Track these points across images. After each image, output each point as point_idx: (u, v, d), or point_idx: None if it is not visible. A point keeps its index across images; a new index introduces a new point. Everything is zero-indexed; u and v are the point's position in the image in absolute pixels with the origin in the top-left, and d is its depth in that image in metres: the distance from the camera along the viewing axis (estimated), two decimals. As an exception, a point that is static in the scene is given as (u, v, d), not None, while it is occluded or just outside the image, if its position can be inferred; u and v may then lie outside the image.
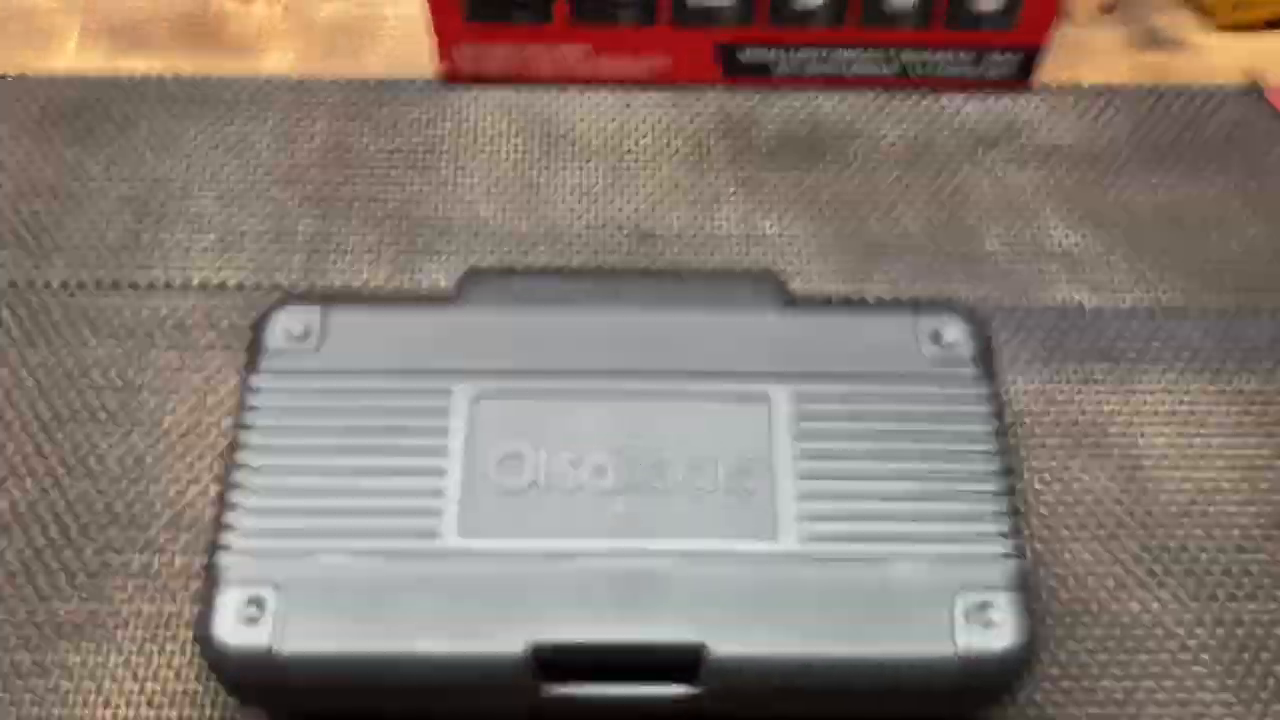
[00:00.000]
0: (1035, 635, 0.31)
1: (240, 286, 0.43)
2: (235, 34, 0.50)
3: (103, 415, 0.40)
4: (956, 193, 0.46)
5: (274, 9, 0.50)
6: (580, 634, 0.31)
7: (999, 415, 0.34)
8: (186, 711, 0.34)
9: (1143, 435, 0.40)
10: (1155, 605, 0.37)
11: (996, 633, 0.31)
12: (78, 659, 0.35)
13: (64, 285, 0.42)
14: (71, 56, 0.48)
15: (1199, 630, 0.36)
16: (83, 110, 0.47)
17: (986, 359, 0.35)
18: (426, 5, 0.45)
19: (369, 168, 0.46)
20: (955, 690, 0.31)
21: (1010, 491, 0.33)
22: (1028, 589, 0.32)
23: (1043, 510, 0.39)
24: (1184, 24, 0.50)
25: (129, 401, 0.40)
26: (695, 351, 0.35)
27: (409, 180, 0.46)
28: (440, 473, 0.33)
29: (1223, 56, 0.49)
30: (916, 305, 0.36)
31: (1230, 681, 0.36)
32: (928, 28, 0.45)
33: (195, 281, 0.43)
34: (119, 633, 0.36)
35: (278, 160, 0.46)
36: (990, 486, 0.33)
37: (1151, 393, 0.41)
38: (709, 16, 0.45)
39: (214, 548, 0.32)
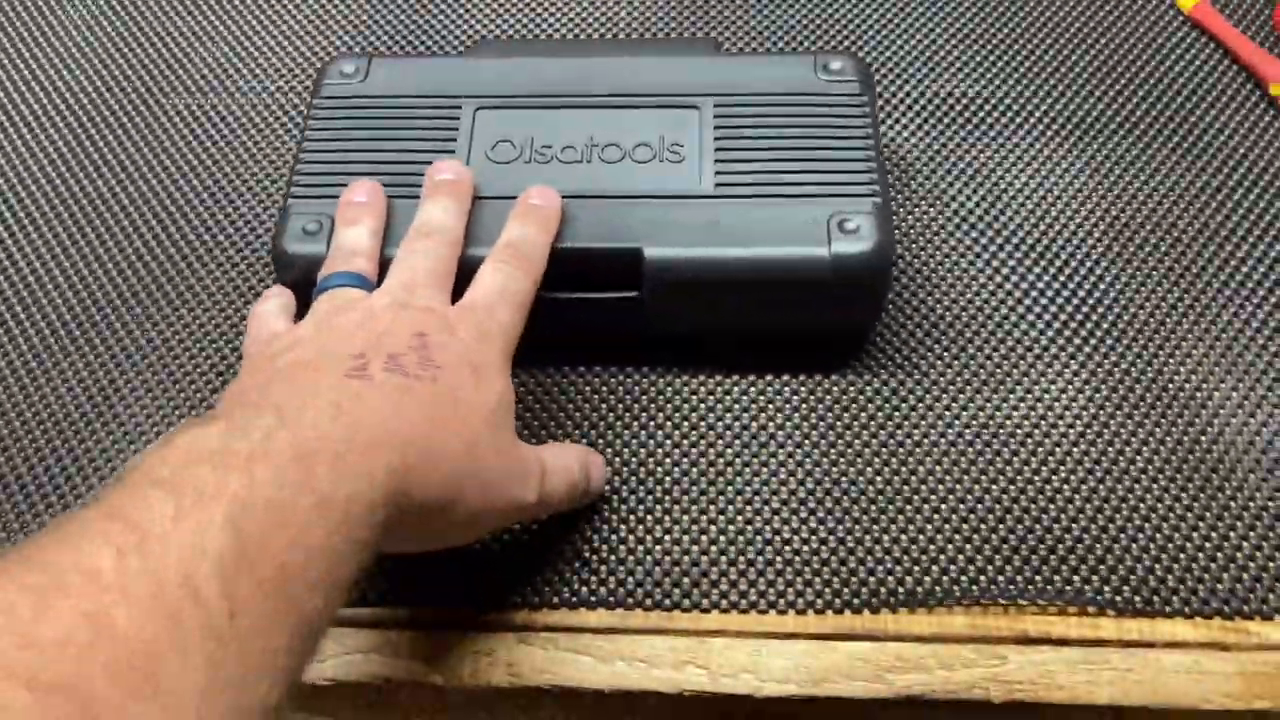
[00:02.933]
0: (889, 242, 0.42)
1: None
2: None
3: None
4: None
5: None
6: (563, 243, 0.42)
7: (874, 120, 0.45)
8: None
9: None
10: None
11: (858, 239, 0.41)
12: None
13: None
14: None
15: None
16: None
17: (867, 85, 0.46)
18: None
19: (409, 11, 0.59)
20: (830, 283, 0.41)
21: (878, 157, 0.44)
22: (885, 214, 0.42)
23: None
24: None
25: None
26: (647, 81, 0.47)
27: (444, 19, 0.59)
28: (450, 155, 0.45)
29: (1094, -71, 0.61)
30: (815, 50, 0.48)
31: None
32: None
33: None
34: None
35: None
36: (862, 155, 0.44)
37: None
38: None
39: (286, 194, 0.44)
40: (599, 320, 0.44)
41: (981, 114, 0.54)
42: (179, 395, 0.46)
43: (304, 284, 0.41)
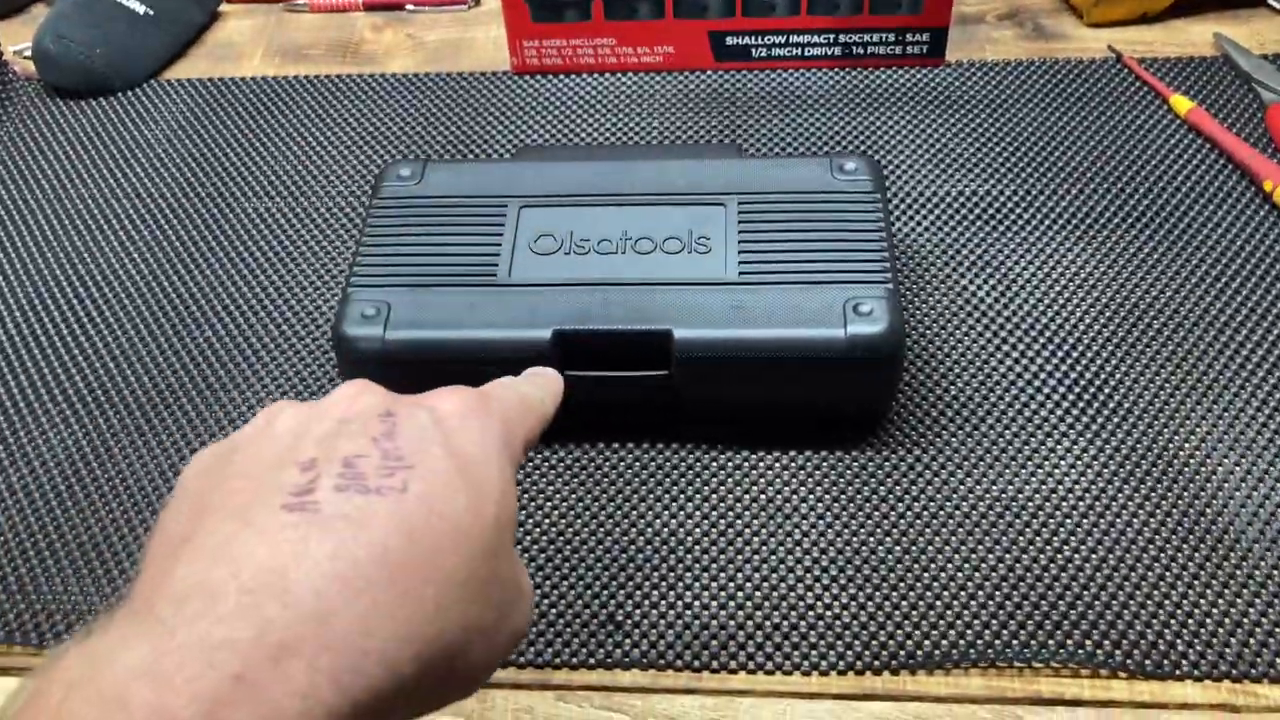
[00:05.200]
0: (900, 323, 0.45)
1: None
2: (369, 53, 0.70)
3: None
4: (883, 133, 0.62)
5: (399, 35, 0.71)
6: (590, 325, 0.45)
7: (885, 214, 0.49)
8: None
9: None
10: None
11: (872, 320, 0.45)
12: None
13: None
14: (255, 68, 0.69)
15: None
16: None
17: (879, 183, 0.50)
18: (503, 13, 0.64)
19: (459, 125, 0.64)
20: (846, 362, 0.44)
21: (889, 248, 0.47)
22: (896, 301, 0.46)
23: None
24: (1064, 22, 0.67)
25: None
26: (677, 181, 0.51)
27: (492, 130, 0.64)
28: (497, 247, 0.49)
29: (1093, 42, 0.66)
30: (831, 153, 0.52)
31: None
32: (859, 12, 0.63)
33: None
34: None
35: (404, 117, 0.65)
36: (875, 248, 0.47)
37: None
38: (703, 10, 0.63)
39: (347, 283, 0.48)
40: (631, 397, 0.47)
41: (990, 210, 0.57)
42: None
43: (362, 366, 0.45)
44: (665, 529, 0.46)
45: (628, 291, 0.47)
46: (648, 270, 0.48)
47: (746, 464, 0.48)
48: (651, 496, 0.47)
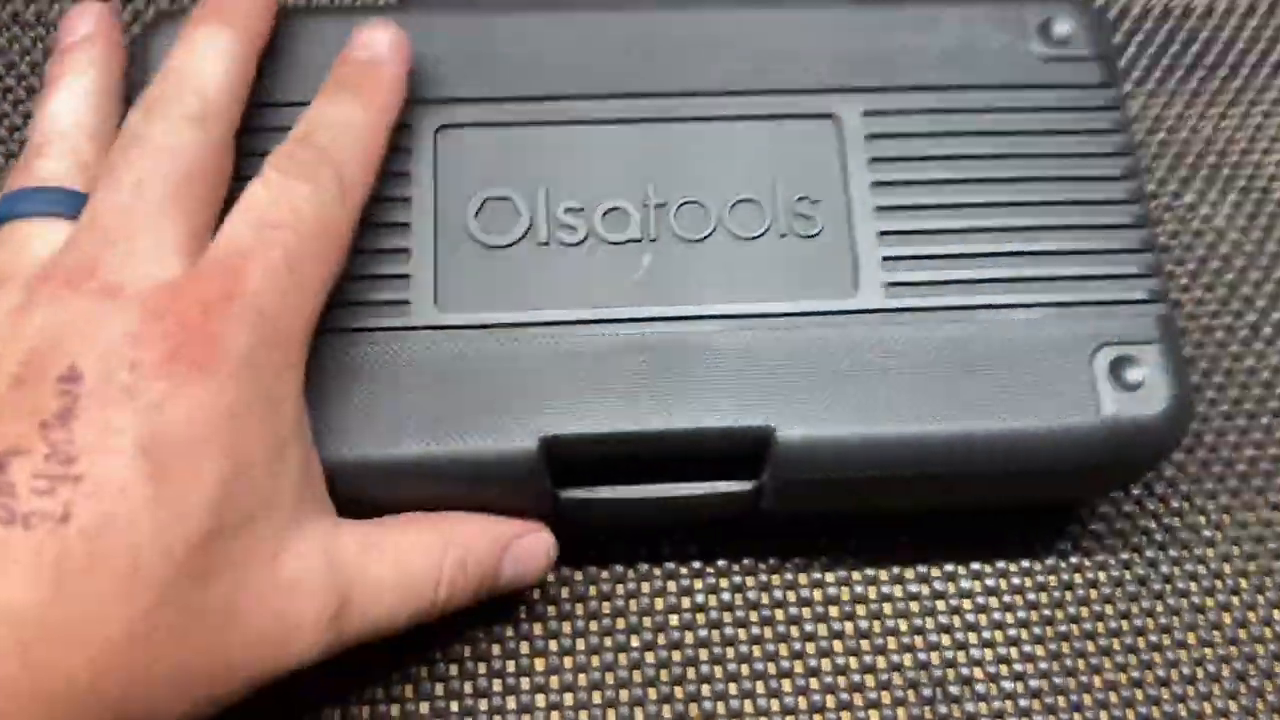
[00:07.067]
0: (1189, 396, 0.25)
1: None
2: None
3: None
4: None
5: None
6: (601, 424, 0.23)
7: (1127, 129, 0.27)
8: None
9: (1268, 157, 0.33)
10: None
11: (1145, 395, 0.24)
12: None
13: None
14: None
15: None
16: None
17: (1109, 59, 0.27)
18: None
19: None
20: (1095, 470, 0.24)
21: (1148, 222, 0.26)
22: (1176, 340, 0.25)
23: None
24: None
25: None
26: (735, 59, 0.27)
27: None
28: (404, 229, 0.25)
29: None
30: (1017, -6, 0.28)
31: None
32: None
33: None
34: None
35: None
36: (1124, 216, 0.26)
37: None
38: None
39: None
40: (680, 516, 0.26)
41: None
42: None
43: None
44: (758, 682, 0.27)
45: (667, 336, 0.24)
46: (701, 280, 0.25)
47: (871, 583, 0.28)
48: (717, 630, 0.27)
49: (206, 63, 0.24)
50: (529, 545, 0.25)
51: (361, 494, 0.23)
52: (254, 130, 0.25)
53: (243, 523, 0.20)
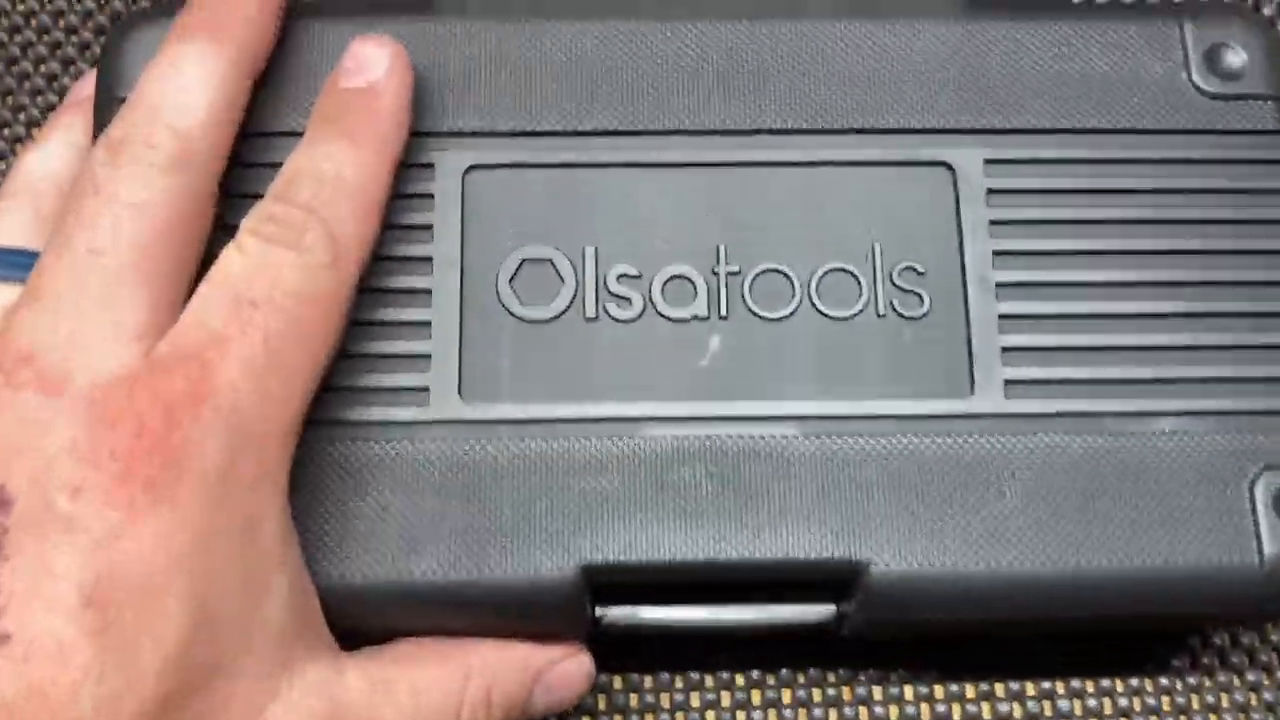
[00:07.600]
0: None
1: None
2: None
3: None
4: None
5: None
6: (656, 551, 0.19)
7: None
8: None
9: None
10: None
11: (1322, 532, 0.20)
12: None
13: None
14: None
15: None
16: None
17: (1286, 95, 0.22)
18: None
19: None
20: (1251, 617, 0.20)
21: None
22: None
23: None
24: None
25: None
26: (827, 89, 0.22)
27: None
28: (422, 298, 0.20)
29: None
30: (1179, 5, 0.23)
31: None
32: None
33: None
34: None
35: None
36: (1301, 299, 0.21)
37: None
38: None
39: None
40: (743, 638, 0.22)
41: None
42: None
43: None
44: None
45: (738, 441, 0.20)
46: (781, 371, 0.20)
47: (960, 707, 0.24)
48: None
49: (189, 93, 0.19)
50: (564, 672, 0.21)
51: (365, 624, 0.19)
52: (243, 165, 0.20)
53: (212, 676, 0.17)
